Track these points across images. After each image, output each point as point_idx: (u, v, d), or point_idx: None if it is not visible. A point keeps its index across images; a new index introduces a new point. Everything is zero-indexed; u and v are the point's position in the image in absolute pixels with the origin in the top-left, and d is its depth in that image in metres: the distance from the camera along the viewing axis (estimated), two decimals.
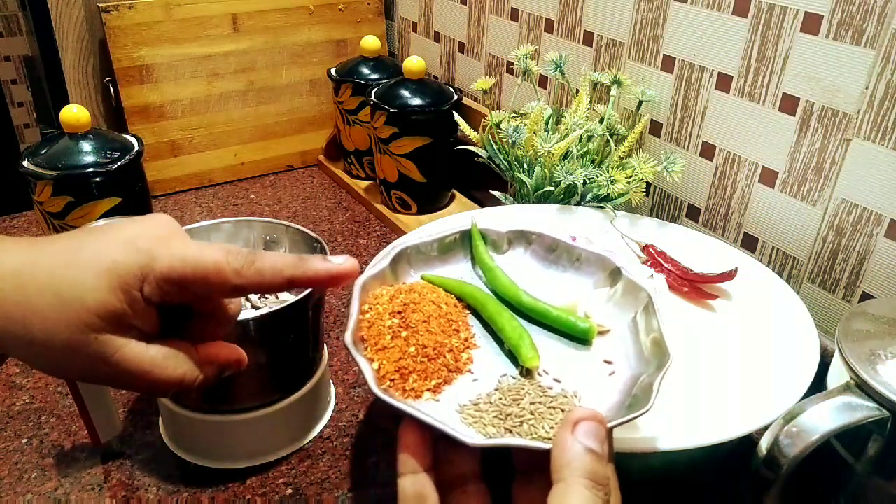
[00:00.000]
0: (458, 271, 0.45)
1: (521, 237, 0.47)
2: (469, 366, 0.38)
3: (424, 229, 0.71)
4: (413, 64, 0.91)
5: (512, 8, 0.93)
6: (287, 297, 0.60)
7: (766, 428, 0.43)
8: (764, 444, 0.42)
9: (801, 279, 0.67)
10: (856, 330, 0.46)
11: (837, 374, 0.46)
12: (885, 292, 0.60)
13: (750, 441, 0.49)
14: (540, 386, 0.37)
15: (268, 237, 0.64)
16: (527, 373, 0.38)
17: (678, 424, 0.50)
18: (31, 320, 0.35)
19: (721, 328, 0.61)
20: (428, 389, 0.36)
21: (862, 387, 0.42)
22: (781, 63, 0.63)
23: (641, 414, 0.34)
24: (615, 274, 0.44)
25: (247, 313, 0.65)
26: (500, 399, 0.36)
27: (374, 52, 1.01)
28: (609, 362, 0.40)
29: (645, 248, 0.68)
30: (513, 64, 0.92)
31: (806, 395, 0.48)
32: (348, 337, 0.36)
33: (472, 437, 0.32)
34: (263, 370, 0.55)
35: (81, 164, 0.72)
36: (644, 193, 0.70)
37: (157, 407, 0.61)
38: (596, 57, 0.82)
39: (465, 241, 0.46)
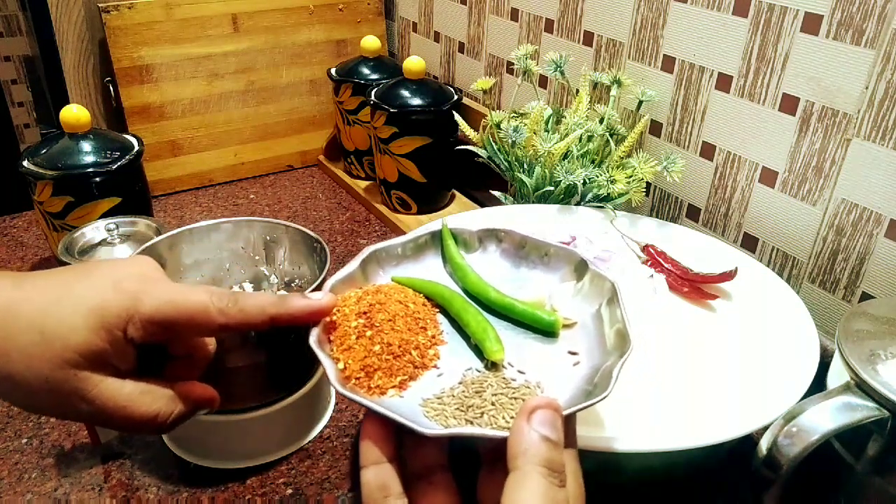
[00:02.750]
0: (430, 271, 0.46)
1: (491, 236, 0.48)
2: (435, 361, 0.39)
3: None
4: (413, 64, 0.91)
5: (512, 8, 0.93)
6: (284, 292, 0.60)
7: (766, 428, 0.43)
8: (764, 444, 0.42)
9: (801, 279, 0.67)
10: (856, 330, 0.46)
11: (837, 374, 0.46)
12: (885, 292, 0.60)
13: (750, 441, 0.49)
14: (504, 378, 0.38)
15: (268, 237, 0.64)
16: (492, 366, 0.39)
17: (678, 424, 0.50)
18: (13, 356, 0.36)
19: (721, 328, 0.61)
20: (393, 386, 0.37)
21: (862, 387, 0.42)
22: (781, 63, 0.63)
23: (599, 400, 0.35)
24: (581, 267, 0.45)
25: None
26: (463, 391, 0.36)
27: (374, 52, 1.01)
28: (574, 353, 0.41)
29: (645, 248, 0.68)
30: (513, 64, 0.92)
31: (806, 395, 0.48)
32: (313, 338, 0.37)
33: (429, 427, 0.33)
34: (263, 370, 0.55)
35: (81, 164, 0.72)
36: (644, 193, 0.70)
37: None
38: (596, 57, 0.82)
39: (435, 242, 0.47)
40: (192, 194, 1.04)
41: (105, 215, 0.73)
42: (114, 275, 0.39)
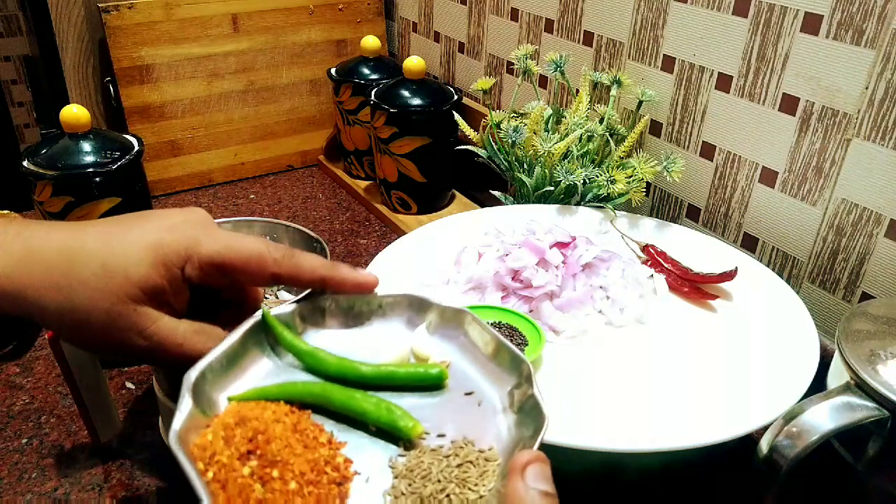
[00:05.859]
0: (265, 373, 0.39)
1: (314, 309, 0.42)
2: (350, 468, 0.34)
3: (424, 230, 0.71)
4: (413, 64, 0.91)
5: (512, 8, 0.93)
6: (287, 297, 0.60)
7: (766, 428, 0.43)
8: (764, 444, 0.42)
9: (801, 279, 0.67)
10: (856, 330, 0.46)
11: (837, 374, 0.46)
12: (885, 292, 0.60)
13: (750, 441, 0.49)
14: (433, 450, 0.35)
15: (268, 237, 0.64)
16: (410, 445, 0.35)
17: (678, 424, 0.50)
18: (76, 288, 0.37)
19: (721, 328, 0.61)
20: None
21: (862, 387, 0.42)
22: (781, 63, 0.63)
23: (547, 426, 0.33)
24: (422, 306, 0.42)
25: None
26: (409, 485, 0.33)
27: (374, 52, 1.01)
28: (470, 393, 0.38)
29: (645, 248, 0.68)
30: (513, 64, 0.92)
31: (806, 395, 0.48)
32: (200, 494, 0.29)
33: None
34: None
35: (81, 164, 0.72)
36: (644, 193, 0.70)
37: (157, 407, 0.61)
38: (596, 57, 0.82)
39: (256, 338, 0.40)
40: (192, 194, 1.04)
41: (105, 215, 0.73)
42: (172, 219, 0.40)
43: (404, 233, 0.82)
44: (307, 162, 1.14)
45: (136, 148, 0.76)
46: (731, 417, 0.49)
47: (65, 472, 0.57)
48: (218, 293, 0.44)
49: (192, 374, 0.35)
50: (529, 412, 0.35)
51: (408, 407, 0.36)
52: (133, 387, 0.66)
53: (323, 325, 0.42)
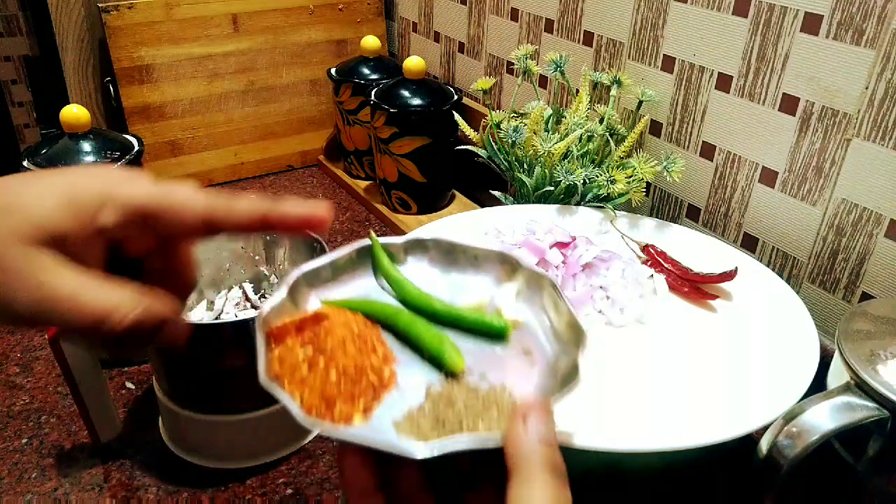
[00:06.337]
0: (361, 289, 0.44)
1: (418, 246, 0.46)
2: (394, 381, 0.38)
3: (424, 230, 0.71)
4: (413, 64, 0.91)
5: (512, 8, 0.93)
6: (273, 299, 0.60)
7: (766, 428, 0.43)
8: (764, 444, 0.42)
9: (801, 279, 0.67)
10: (856, 330, 0.46)
11: (837, 374, 0.46)
12: (885, 292, 0.60)
13: (750, 441, 0.49)
14: (469, 387, 0.37)
15: (268, 237, 0.64)
16: (453, 377, 0.38)
17: (678, 424, 0.50)
18: None
19: (721, 328, 0.61)
20: (357, 412, 0.35)
21: (862, 387, 0.42)
22: (781, 63, 0.63)
23: (574, 388, 0.35)
24: (513, 266, 0.44)
25: (247, 312, 0.65)
26: (433, 407, 0.35)
27: (374, 52, 1.01)
28: (529, 352, 0.40)
29: (645, 248, 0.68)
30: (513, 64, 0.92)
31: (806, 395, 0.48)
32: (262, 376, 0.34)
33: (417, 449, 0.32)
34: None
35: (81, 164, 0.72)
36: (644, 193, 0.70)
37: (157, 407, 0.61)
38: (596, 57, 0.82)
39: (363, 259, 0.45)
40: None
41: None
42: (94, 166, 0.36)
43: (404, 233, 0.82)
44: (307, 162, 1.14)
45: (136, 148, 0.76)
46: (731, 417, 0.49)
47: (65, 472, 0.57)
48: (139, 264, 0.37)
49: (297, 273, 0.40)
50: (567, 375, 0.37)
51: (465, 349, 0.39)
52: (133, 387, 0.66)
53: (423, 262, 0.45)
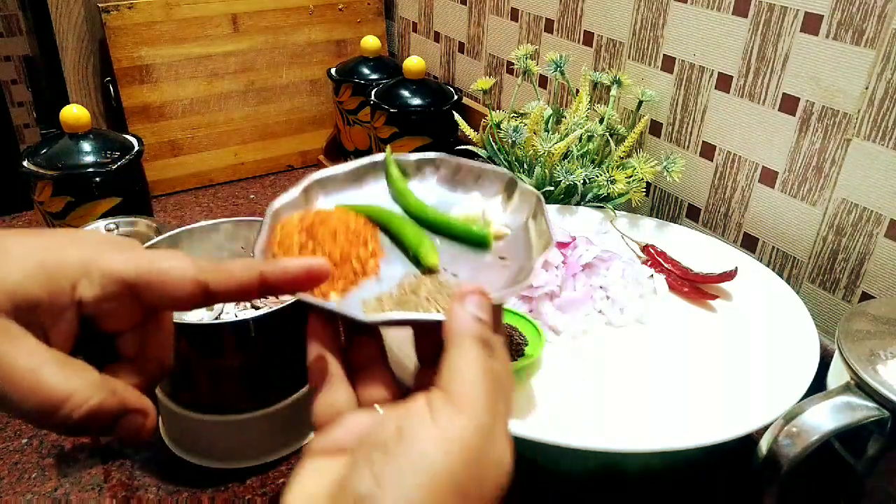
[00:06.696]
0: (371, 197, 0.48)
1: (429, 163, 0.50)
2: (376, 271, 0.41)
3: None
4: (413, 64, 0.91)
5: (512, 8, 0.93)
6: (288, 297, 0.60)
7: (766, 428, 0.43)
8: (764, 444, 0.42)
9: (801, 279, 0.67)
10: (856, 330, 0.46)
11: (837, 374, 0.46)
12: (885, 292, 0.60)
13: (750, 441, 0.49)
14: (439, 281, 0.40)
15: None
16: (428, 272, 0.41)
17: (678, 424, 0.50)
18: None
19: (721, 328, 0.61)
20: (334, 290, 0.39)
21: (862, 387, 0.42)
22: (781, 63, 0.63)
23: (522, 287, 0.38)
24: (511, 185, 0.47)
25: (247, 313, 0.65)
26: (400, 294, 0.39)
27: (374, 52, 1.01)
28: (503, 258, 0.43)
29: (645, 248, 0.68)
30: (513, 64, 0.92)
31: (806, 395, 0.48)
32: (257, 250, 0.38)
33: (365, 316, 0.35)
34: (264, 370, 0.55)
35: (81, 164, 0.72)
36: (644, 193, 0.70)
37: (157, 407, 0.61)
38: (596, 57, 0.82)
39: (377, 171, 0.49)
40: (192, 194, 1.04)
41: (105, 215, 0.73)
42: (76, 232, 0.34)
43: None
44: (307, 162, 1.14)
45: (136, 148, 0.77)
46: (731, 417, 0.49)
47: (65, 472, 0.57)
48: (112, 341, 0.34)
49: (316, 175, 0.45)
50: (520, 275, 0.40)
51: (449, 253, 0.43)
52: None
53: (432, 180, 0.49)
